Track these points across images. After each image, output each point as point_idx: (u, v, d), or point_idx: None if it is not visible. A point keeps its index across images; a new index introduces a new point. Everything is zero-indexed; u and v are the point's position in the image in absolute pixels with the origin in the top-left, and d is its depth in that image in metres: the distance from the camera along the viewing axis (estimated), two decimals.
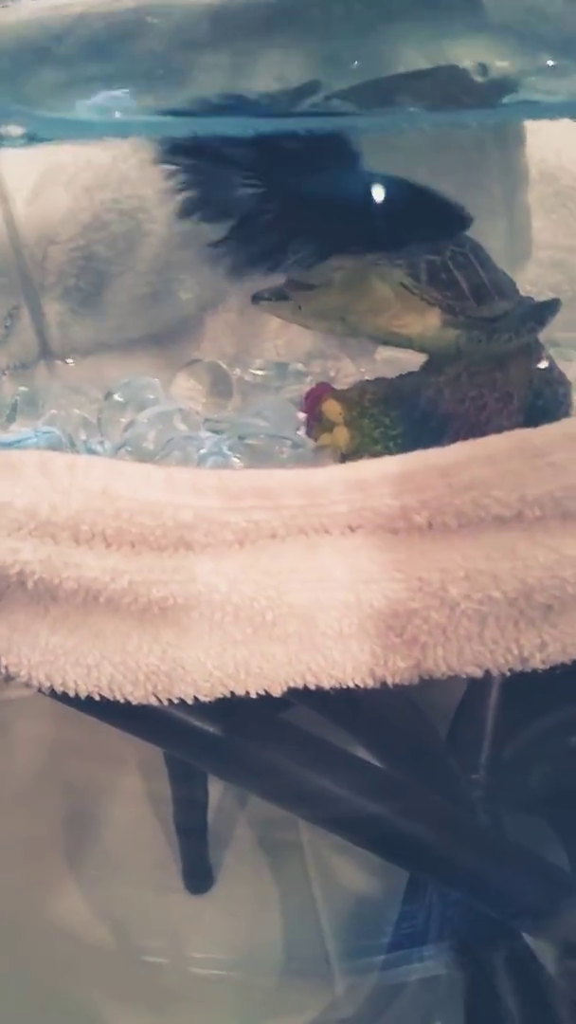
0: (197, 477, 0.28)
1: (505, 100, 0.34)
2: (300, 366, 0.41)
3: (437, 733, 0.45)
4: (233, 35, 0.36)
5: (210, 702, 0.29)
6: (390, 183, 0.34)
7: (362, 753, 0.39)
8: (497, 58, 0.36)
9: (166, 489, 0.28)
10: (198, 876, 0.57)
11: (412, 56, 0.37)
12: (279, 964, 0.52)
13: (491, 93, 0.34)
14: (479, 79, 0.34)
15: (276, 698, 0.35)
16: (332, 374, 0.42)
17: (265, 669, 0.29)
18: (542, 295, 0.42)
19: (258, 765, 0.35)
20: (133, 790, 0.58)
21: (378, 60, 0.36)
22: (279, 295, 0.33)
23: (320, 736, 0.37)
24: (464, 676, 0.30)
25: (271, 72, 0.35)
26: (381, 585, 0.28)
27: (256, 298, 0.34)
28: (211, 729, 0.34)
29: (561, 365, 0.40)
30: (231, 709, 0.32)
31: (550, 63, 0.35)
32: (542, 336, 0.37)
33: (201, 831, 0.56)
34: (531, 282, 0.43)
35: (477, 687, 0.45)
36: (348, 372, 0.42)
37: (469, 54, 0.36)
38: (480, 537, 0.28)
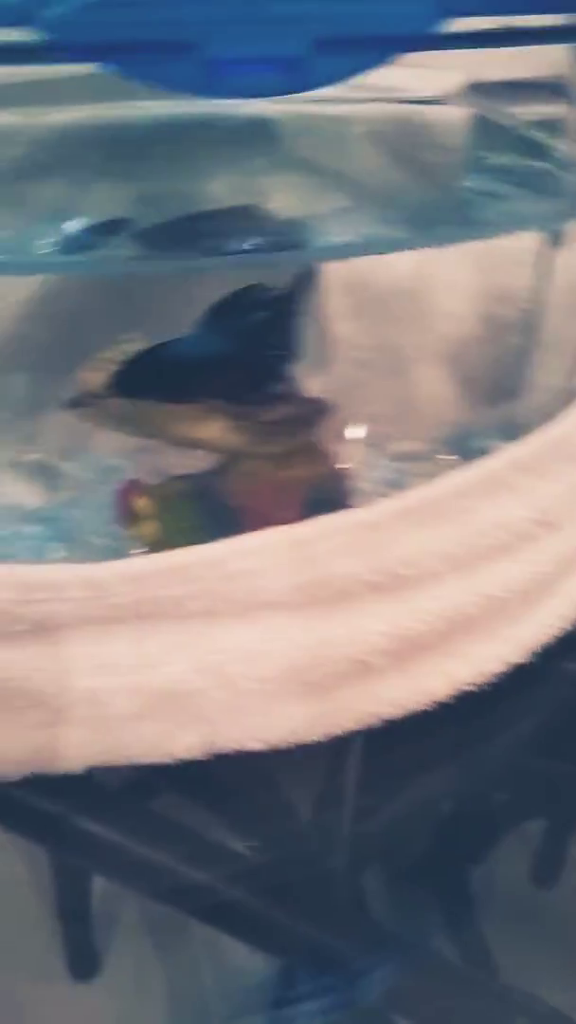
0: None
1: (301, 239, 0.37)
2: (124, 462, 0.44)
3: (295, 808, 0.46)
4: (60, 166, 0.40)
5: (66, 787, 0.31)
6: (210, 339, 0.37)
7: (222, 832, 0.41)
8: (296, 196, 0.40)
9: None
10: (83, 962, 0.56)
11: (220, 192, 0.41)
12: None
13: (288, 231, 0.37)
14: (277, 217, 0.38)
15: (138, 785, 0.37)
16: (159, 468, 0.45)
17: (61, 751, 0.31)
18: (351, 391, 0.46)
19: (115, 853, 0.36)
20: (11, 876, 0.58)
21: (187, 199, 0.39)
22: (80, 402, 0.36)
23: (180, 821, 0.38)
24: (249, 750, 0.32)
25: (92, 207, 0.38)
26: (166, 668, 0.31)
27: (64, 404, 0.37)
28: (68, 816, 0.35)
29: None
30: (86, 794, 0.34)
31: (345, 204, 0.39)
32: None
33: (85, 914, 0.56)
34: (340, 377, 0.47)
35: (336, 758, 0.47)
36: (174, 466, 0.45)
37: (273, 191, 0.40)
38: (253, 622, 0.31)
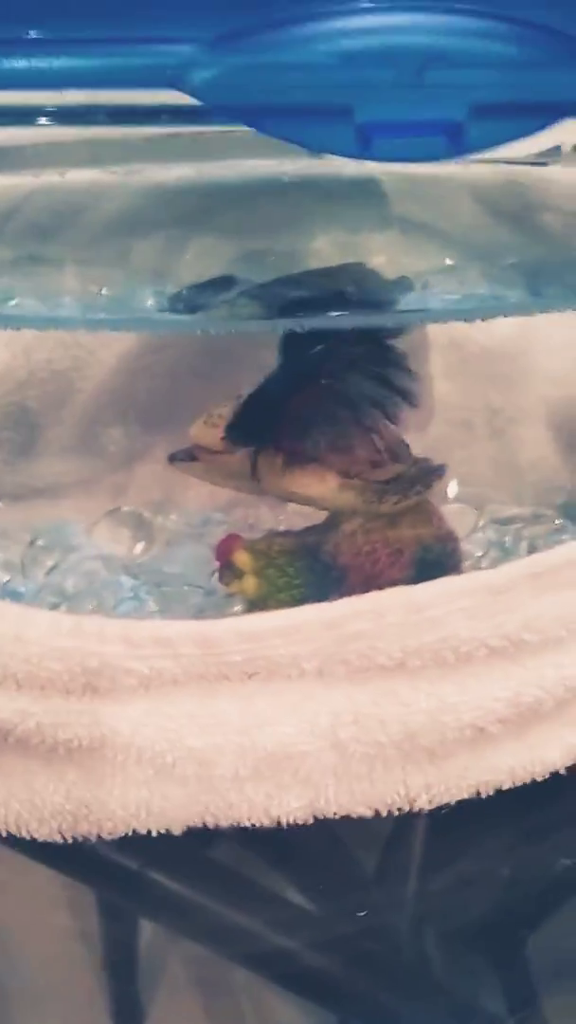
0: (103, 625, 0.30)
1: (407, 298, 0.37)
2: (219, 515, 0.44)
3: (362, 867, 0.45)
4: (163, 223, 0.40)
5: (130, 839, 0.31)
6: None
7: (286, 889, 0.40)
8: (402, 254, 0.40)
9: (74, 635, 0.30)
10: (127, 1015, 0.55)
11: (325, 250, 0.41)
12: None
13: (395, 289, 0.37)
14: (384, 276, 0.38)
15: (200, 834, 0.37)
16: (251, 522, 0.45)
17: (165, 809, 0.31)
18: (448, 450, 0.46)
19: (173, 901, 0.36)
20: (60, 927, 0.57)
21: (292, 256, 0.40)
22: (190, 456, 0.36)
23: (241, 872, 0.38)
24: (355, 816, 0.31)
25: (196, 263, 0.38)
26: (274, 728, 0.30)
27: (171, 458, 0.37)
28: (129, 864, 0.35)
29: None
30: (151, 845, 0.34)
31: (449, 262, 0.39)
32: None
33: (131, 967, 0.55)
34: (438, 439, 0.47)
35: (404, 819, 0.46)
36: (265, 520, 0.45)
37: (378, 249, 0.41)
38: (367, 684, 0.30)
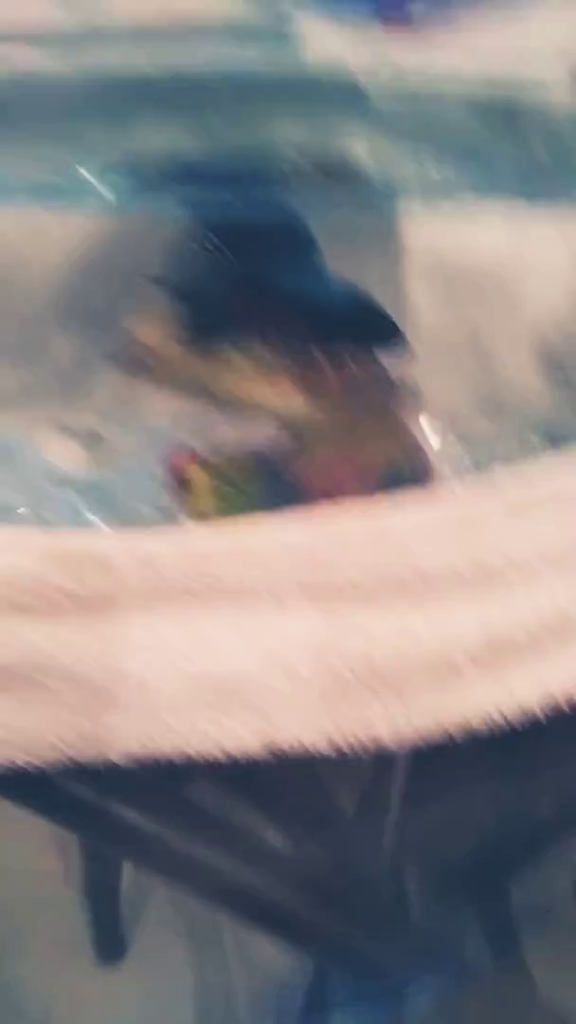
0: (35, 538, 0.28)
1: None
2: (172, 429, 0.42)
3: (342, 808, 0.44)
4: (111, 106, 0.37)
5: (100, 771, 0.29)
6: (340, 286, 0.35)
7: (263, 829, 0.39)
8: (386, 157, 0.38)
9: (3, 550, 0.28)
10: (110, 949, 0.55)
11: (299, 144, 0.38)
12: None
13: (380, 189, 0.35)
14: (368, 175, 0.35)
15: (178, 772, 0.35)
16: (207, 436, 0.42)
17: (104, 737, 0.28)
18: (434, 375, 0.43)
19: (148, 840, 0.36)
20: (42, 869, 0.57)
21: (261, 148, 0.37)
22: (138, 361, 0.33)
23: (216, 811, 0.37)
24: (314, 751, 0.29)
25: (147, 141, 0.35)
26: (223, 654, 0.28)
27: (116, 360, 0.34)
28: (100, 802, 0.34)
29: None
30: (124, 781, 0.32)
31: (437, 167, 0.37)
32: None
33: (113, 903, 0.54)
34: (423, 361, 0.44)
35: (383, 760, 0.45)
36: (223, 436, 0.42)
37: (361, 151, 0.38)
38: (327, 611, 0.28)
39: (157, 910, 0.54)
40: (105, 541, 0.28)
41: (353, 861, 0.40)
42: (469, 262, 0.44)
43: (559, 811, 0.44)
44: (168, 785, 0.36)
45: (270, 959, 0.50)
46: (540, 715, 0.28)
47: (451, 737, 0.29)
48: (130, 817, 0.34)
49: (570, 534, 0.29)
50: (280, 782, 0.37)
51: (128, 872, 0.53)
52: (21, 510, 0.36)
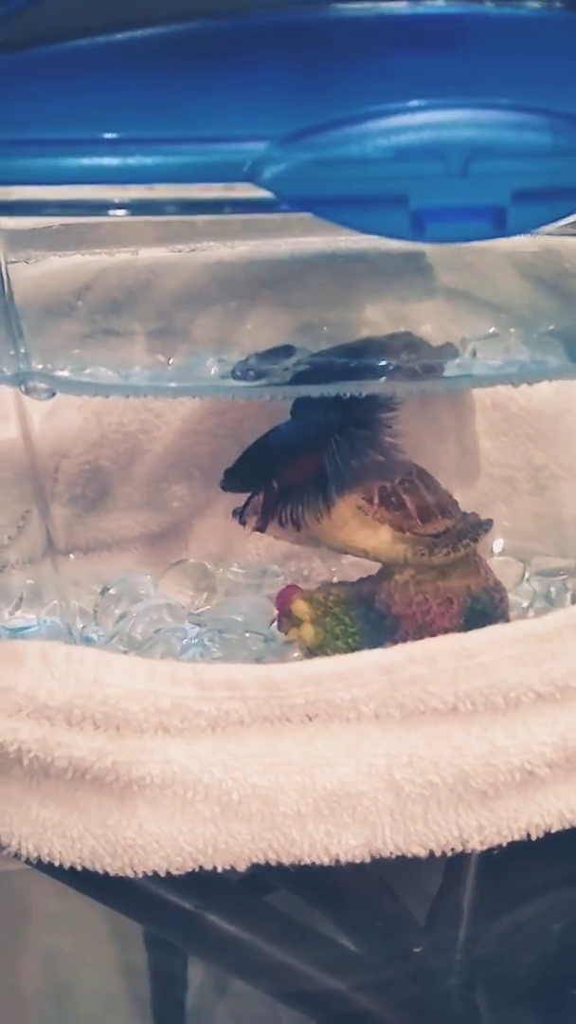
0: (175, 669, 0.32)
1: (453, 364, 0.40)
2: (276, 567, 0.47)
3: (411, 916, 0.46)
4: (225, 296, 0.43)
5: (186, 880, 0.32)
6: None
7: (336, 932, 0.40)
8: (447, 322, 0.43)
9: (148, 679, 0.32)
10: None
11: (376, 320, 0.43)
12: None
13: (441, 355, 0.40)
14: (432, 344, 0.40)
15: (257, 881, 0.38)
16: (305, 573, 0.47)
17: (231, 846, 0.32)
18: (493, 506, 0.48)
19: (226, 940, 0.37)
20: (110, 961, 0.58)
21: (345, 326, 0.42)
22: (253, 512, 0.38)
23: (292, 915, 0.39)
24: (410, 856, 0.33)
25: (254, 335, 0.41)
26: (334, 768, 0.32)
27: (234, 513, 0.39)
28: (184, 904, 0.36)
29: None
30: (208, 888, 0.35)
31: (492, 329, 0.42)
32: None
33: (179, 1007, 0.56)
34: (484, 494, 0.49)
35: (455, 871, 0.47)
36: (319, 572, 0.47)
37: (425, 318, 0.43)
38: (421, 727, 0.32)
39: (222, 1014, 0.56)
40: (236, 671, 0.32)
41: (422, 965, 0.41)
42: (523, 398, 0.48)
43: None
44: (245, 889, 0.38)
45: None
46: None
47: (530, 842, 0.33)
48: (208, 918, 0.36)
49: None
50: (353, 888, 0.40)
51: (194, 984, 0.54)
52: (152, 643, 0.41)
